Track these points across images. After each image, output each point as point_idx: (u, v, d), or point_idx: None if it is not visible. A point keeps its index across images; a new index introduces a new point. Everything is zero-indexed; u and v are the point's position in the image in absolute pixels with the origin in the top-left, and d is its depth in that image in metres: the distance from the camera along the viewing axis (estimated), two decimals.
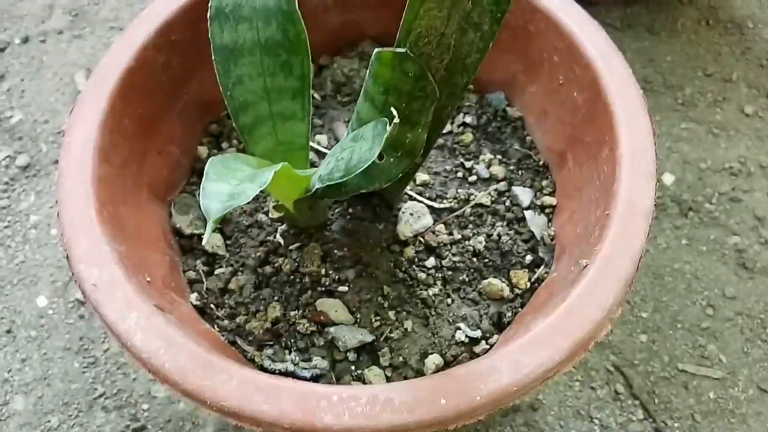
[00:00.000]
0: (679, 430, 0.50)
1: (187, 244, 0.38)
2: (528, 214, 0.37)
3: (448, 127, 0.41)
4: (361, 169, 0.25)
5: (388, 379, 0.33)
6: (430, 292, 0.35)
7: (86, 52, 0.67)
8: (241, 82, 0.31)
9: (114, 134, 0.33)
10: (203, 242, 0.23)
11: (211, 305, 0.35)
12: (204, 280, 0.36)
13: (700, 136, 0.64)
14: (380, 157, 0.28)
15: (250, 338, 0.34)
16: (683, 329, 0.54)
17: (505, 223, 0.37)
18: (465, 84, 0.27)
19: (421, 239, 0.36)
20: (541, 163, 0.40)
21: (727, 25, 0.71)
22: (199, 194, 0.36)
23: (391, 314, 0.34)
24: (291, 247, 0.36)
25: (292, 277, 0.35)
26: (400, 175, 0.29)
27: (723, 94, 0.66)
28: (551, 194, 0.39)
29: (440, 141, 0.40)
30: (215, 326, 0.34)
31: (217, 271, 0.37)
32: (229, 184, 0.24)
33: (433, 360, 0.33)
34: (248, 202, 0.35)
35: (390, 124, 0.24)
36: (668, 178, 0.61)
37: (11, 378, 0.51)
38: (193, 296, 0.35)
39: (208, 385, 0.26)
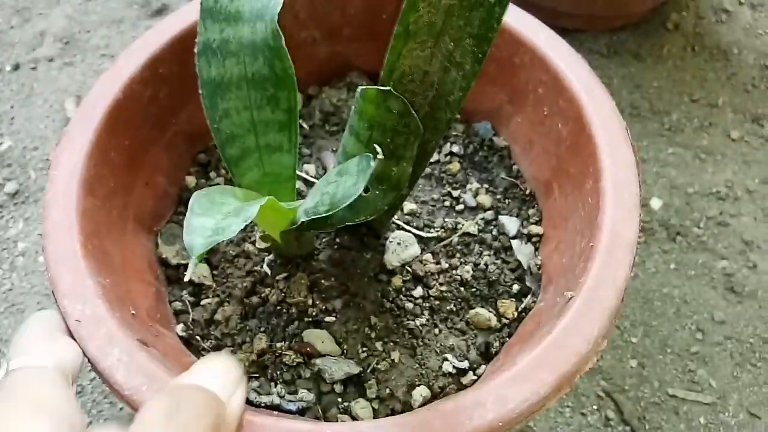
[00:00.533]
0: None
1: (174, 274, 0.38)
2: (515, 243, 0.38)
3: (435, 156, 0.41)
4: (346, 204, 0.25)
5: (375, 412, 0.32)
6: (418, 322, 0.35)
7: (77, 80, 0.68)
8: (228, 115, 0.31)
9: (100, 167, 0.33)
10: (186, 278, 0.23)
11: (197, 336, 0.35)
12: (190, 310, 0.36)
13: (687, 161, 0.64)
14: (366, 190, 0.28)
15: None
16: (673, 354, 0.54)
17: (492, 252, 0.37)
18: (449, 119, 0.27)
19: (409, 268, 0.36)
20: (527, 192, 0.40)
21: (712, 52, 0.73)
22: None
23: (378, 345, 0.34)
24: (278, 278, 0.36)
25: (278, 307, 0.35)
26: (386, 207, 0.29)
27: (709, 119, 0.67)
28: (537, 223, 0.39)
29: (428, 170, 0.40)
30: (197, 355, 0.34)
31: (203, 302, 0.36)
32: (213, 218, 0.24)
33: (421, 392, 0.33)
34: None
35: (374, 160, 0.24)
36: (656, 203, 0.61)
37: None
38: (179, 327, 0.35)
39: None
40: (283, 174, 0.33)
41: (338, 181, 0.26)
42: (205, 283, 0.37)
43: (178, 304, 0.36)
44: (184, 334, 0.35)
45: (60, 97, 0.66)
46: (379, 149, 0.25)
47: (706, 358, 0.54)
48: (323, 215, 0.26)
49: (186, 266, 0.37)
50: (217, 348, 0.35)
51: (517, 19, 0.37)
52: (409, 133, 0.27)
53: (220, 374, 0.25)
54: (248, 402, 0.33)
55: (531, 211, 0.39)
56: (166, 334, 0.33)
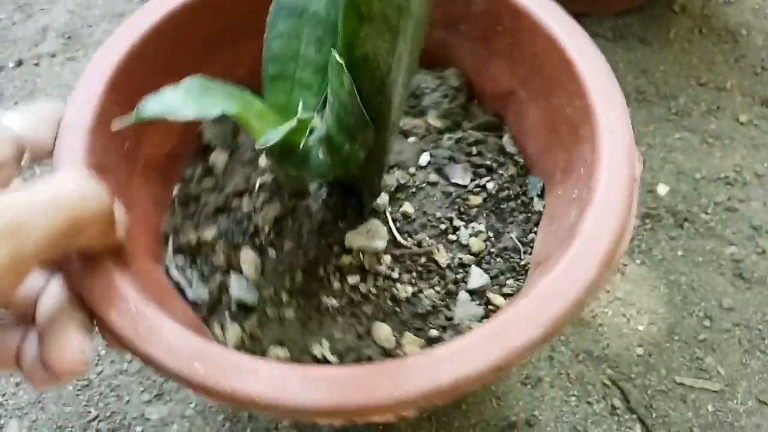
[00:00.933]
0: None
1: (202, 149, 0.42)
2: (463, 296, 0.35)
3: (466, 180, 0.39)
4: (311, 150, 0.29)
5: (242, 344, 0.34)
6: (329, 302, 0.35)
7: (80, 75, 0.68)
8: (281, 36, 0.33)
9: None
10: (113, 127, 0.25)
11: (179, 201, 0.39)
12: (193, 182, 0.40)
13: (695, 146, 0.64)
14: (324, 153, 0.29)
15: (176, 241, 0.37)
16: (680, 341, 0.53)
17: (442, 291, 0.36)
18: (397, 119, 0.28)
19: (362, 256, 0.36)
20: (521, 263, 0.37)
21: (720, 34, 0.71)
22: None
23: (284, 296, 0.35)
24: (260, 196, 0.39)
25: (243, 218, 0.38)
26: (331, 177, 0.31)
27: (717, 103, 0.66)
28: (505, 297, 0.36)
29: (451, 189, 0.39)
30: (170, 216, 0.38)
31: (204, 180, 0.41)
32: (184, 99, 0.26)
33: (278, 353, 0.33)
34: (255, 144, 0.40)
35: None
36: (663, 189, 0.61)
37: (5, 402, 0.51)
38: (176, 188, 0.40)
39: None
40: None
41: (278, 129, 0.28)
42: (216, 171, 0.41)
43: (189, 171, 0.41)
44: (176, 193, 0.40)
45: (63, 93, 0.67)
46: (300, 109, 0.28)
47: (714, 346, 0.53)
48: (267, 148, 0.28)
49: (214, 148, 0.41)
50: (183, 217, 0.38)
51: (599, 89, 0.33)
52: (357, 117, 0.27)
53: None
54: (166, 270, 0.36)
55: (509, 282, 0.36)
56: (156, 181, 0.37)
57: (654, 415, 0.50)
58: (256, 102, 0.31)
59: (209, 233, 0.37)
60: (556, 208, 0.36)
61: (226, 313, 0.35)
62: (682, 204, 0.59)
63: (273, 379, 0.25)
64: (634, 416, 0.50)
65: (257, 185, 0.39)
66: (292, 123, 0.26)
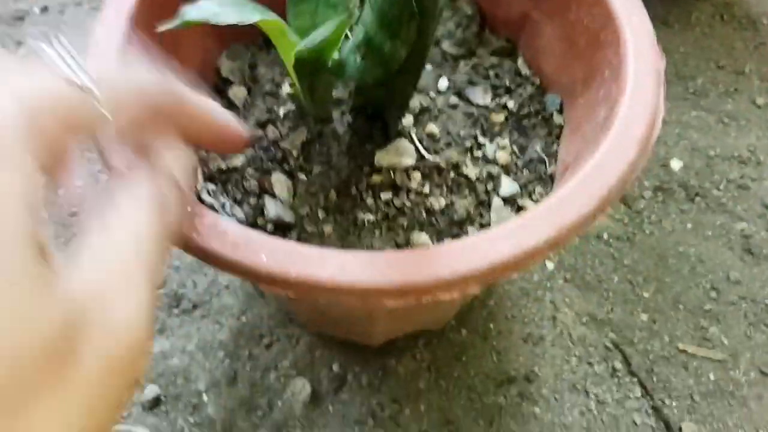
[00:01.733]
0: (677, 410, 0.49)
1: (220, 85, 0.42)
2: (497, 202, 0.36)
3: (486, 101, 0.40)
4: (347, 54, 0.28)
5: None
6: (365, 217, 0.35)
7: None
8: None
9: None
10: (160, 28, 0.25)
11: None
12: None
13: (710, 125, 0.64)
14: (363, 56, 0.30)
15: (205, 170, 0.37)
16: (685, 310, 0.53)
17: (474, 202, 0.37)
18: (442, 5, 0.28)
19: (392, 174, 0.37)
20: (548, 173, 0.38)
21: (741, 21, 0.71)
22: (252, 51, 0.43)
23: (321, 214, 0.35)
24: (286, 123, 0.39)
25: (271, 145, 0.38)
26: (371, 81, 0.30)
27: (735, 86, 0.66)
28: (537, 202, 0.37)
29: (472, 110, 0.40)
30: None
31: None
32: (221, 8, 0.26)
33: None
34: (280, 75, 0.41)
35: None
36: (676, 164, 0.61)
37: None
38: None
39: None
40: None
41: (324, 26, 0.28)
42: (236, 103, 0.41)
43: None
44: None
45: (87, 41, 0.67)
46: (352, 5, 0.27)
47: (719, 317, 0.53)
48: (309, 51, 0.28)
49: (232, 83, 0.41)
50: (207, 149, 0.37)
51: None
52: (404, 6, 0.27)
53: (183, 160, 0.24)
54: (198, 197, 0.36)
55: (538, 189, 0.37)
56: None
57: (655, 379, 0.50)
58: (282, 22, 0.31)
59: (237, 161, 0.37)
60: (580, 116, 0.37)
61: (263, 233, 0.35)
62: (694, 179, 0.59)
63: (340, 264, 0.25)
64: (635, 379, 0.50)
65: (281, 114, 0.40)
66: (341, 17, 0.27)
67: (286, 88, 0.41)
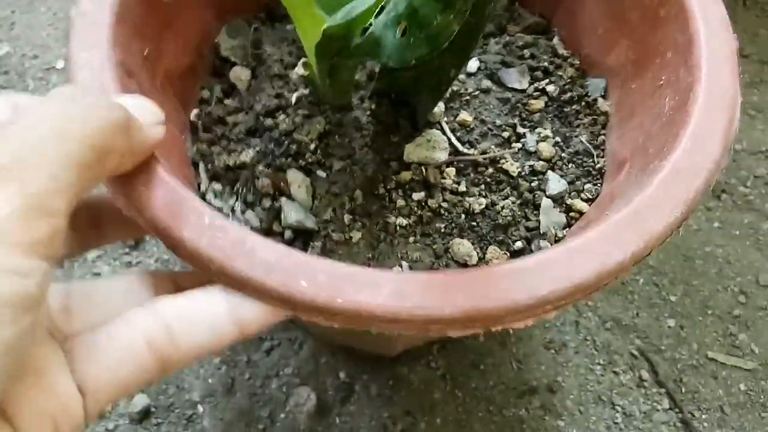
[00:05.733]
0: (707, 423, 0.46)
1: (221, 66, 0.37)
2: (546, 202, 0.32)
3: (524, 85, 0.36)
4: (384, 31, 0.24)
5: None
6: (398, 221, 0.31)
7: None
8: None
9: None
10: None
11: (201, 124, 0.34)
12: (212, 103, 0.35)
13: None
14: (404, 32, 0.25)
15: (210, 167, 0.33)
16: (713, 316, 0.50)
17: (518, 201, 0.33)
18: None
19: (424, 170, 0.32)
20: (597, 166, 0.34)
21: (764, 8, 0.69)
22: (255, 27, 0.38)
23: (347, 218, 0.31)
24: (299, 111, 0.34)
25: (283, 137, 0.33)
26: (414, 60, 0.25)
27: (760, 76, 0.63)
28: (587, 202, 0.33)
29: (508, 95, 0.36)
30: (192, 144, 0.34)
31: (226, 101, 0.36)
32: None
33: None
34: (289, 55, 0.37)
35: None
36: None
37: None
38: (194, 112, 0.35)
39: None
40: (363, 12, 0.29)
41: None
42: (239, 86, 0.36)
43: (206, 93, 0.36)
44: (194, 119, 0.34)
45: (64, 5, 0.62)
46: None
47: (749, 323, 0.50)
48: (343, 27, 0.24)
49: (232, 64, 0.37)
50: (210, 142, 0.34)
51: None
52: None
53: (142, 102, 0.23)
54: (203, 197, 0.32)
55: (587, 186, 0.34)
56: (175, 102, 0.32)
57: (683, 390, 0.47)
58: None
59: (246, 156, 0.33)
60: (634, 103, 0.33)
61: (281, 242, 0.30)
62: (720, 175, 0.56)
63: (396, 288, 0.21)
64: (663, 390, 0.47)
65: (293, 100, 0.35)
66: None
67: (298, 70, 0.36)
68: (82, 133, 0.18)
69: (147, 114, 0.23)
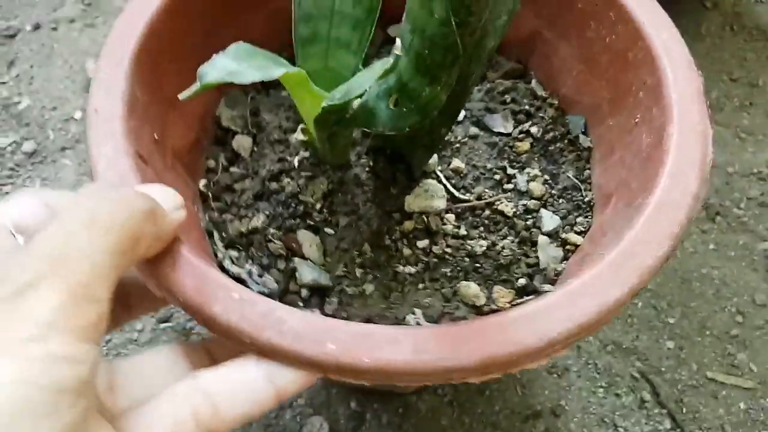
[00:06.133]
0: None
1: (222, 136, 0.39)
2: (543, 239, 0.34)
3: (509, 129, 0.39)
4: (377, 102, 0.26)
5: None
6: (406, 270, 0.33)
7: (98, 41, 0.67)
8: None
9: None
10: (181, 97, 0.23)
11: (211, 194, 0.36)
12: (219, 172, 0.37)
13: (727, 140, 0.62)
14: (396, 104, 0.27)
15: (224, 235, 0.34)
16: (712, 336, 0.52)
17: (516, 240, 0.35)
18: (492, 48, 0.26)
19: (425, 218, 0.34)
20: (586, 200, 0.36)
21: (752, 32, 0.70)
22: (251, 96, 0.40)
23: (358, 272, 0.33)
24: (302, 173, 0.36)
25: (290, 200, 0.35)
26: (406, 128, 0.28)
27: (749, 99, 0.65)
28: (580, 234, 0.35)
29: (495, 139, 0.38)
30: (204, 213, 0.35)
31: (231, 169, 0.37)
32: (238, 64, 0.24)
33: None
34: (287, 120, 0.39)
35: (392, 55, 0.24)
36: None
37: None
38: (202, 182, 0.36)
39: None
40: (343, 73, 0.32)
41: (361, 75, 0.26)
42: (242, 154, 0.38)
43: (212, 163, 0.38)
44: (204, 189, 0.36)
45: (80, 59, 0.65)
46: (398, 44, 0.25)
47: (747, 342, 0.51)
48: (341, 105, 0.26)
49: (234, 133, 0.38)
50: (221, 211, 0.36)
51: (644, 12, 0.34)
52: (446, 50, 0.25)
53: (162, 190, 0.25)
54: (221, 266, 0.33)
55: (579, 219, 0.36)
56: (185, 177, 0.34)
57: (684, 410, 0.48)
58: (304, 73, 0.28)
59: (257, 221, 0.34)
60: (613, 139, 0.36)
61: (298, 300, 0.33)
62: (714, 198, 0.57)
63: (415, 344, 0.23)
64: (664, 411, 0.48)
65: (296, 163, 0.37)
66: (385, 63, 0.24)
67: (297, 135, 0.38)
68: (114, 225, 0.20)
69: (169, 200, 0.24)
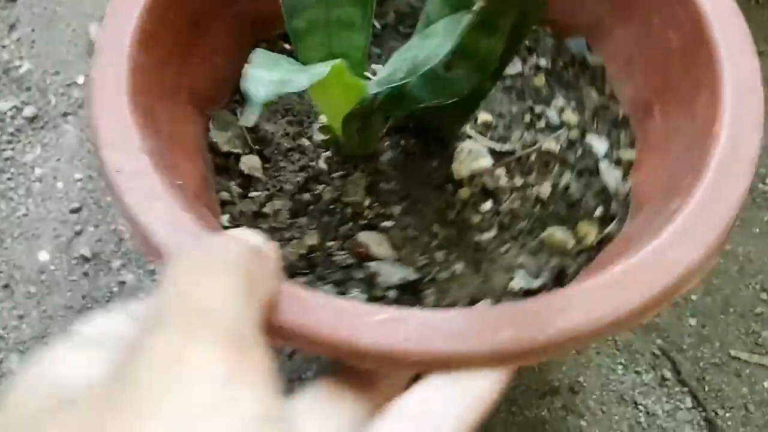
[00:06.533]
0: (730, 421, 0.46)
1: (223, 163, 0.34)
2: (602, 164, 0.33)
3: (518, 68, 0.37)
4: (427, 70, 0.22)
5: None
6: (485, 237, 0.31)
7: (101, 5, 0.64)
8: None
9: (158, 24, 0.29)
10: (240, 121, 0.20)
11: (244, 226, 0.32)
12: (237, 202, 0.33)
13: None
14: (448, 67, 0.25)
15: (283, 265, 0.31)
16: (735, 314, 0.50)
17: (574, 173, 0.33)
18: None
19: (478, 181, 0.33)
20: (620, 114, 0.35)
21: None
22: (240, 112, 0.35)
23: (440, 255, 0.31)
24: (334, 175, 0.33)
25: (332, 206, 0.32)
26: (467, 91, 0.25)
27: None
28: (630, 146, 0.34)
29: (508, 82, 0.36)
30: None
31: (251, 194, 0.33)
32: (278, 72, 0.21)
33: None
34: (290, 125, 0.35)
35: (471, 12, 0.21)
36: None
37: (7, 335, 0.48)
38: (225, 218, 0.32)
39: None
40: (352, 56, 0.29)
41: (422, 44, 0.23)
42: (255, 175, 0.34)
43: (225, 195, 0.33)
44: (229, 225, 0.32)
45: (84, 22, 0.63)
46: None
47: None
48: (399, 84, 0.23)
49: (236, 156, 0.34)
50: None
51: None
52: None
53: (243, 231, 0.22)
54: None
55: (622, 135, 0.35)
56: (211, 219, 0.30)
57: (706, 388, 0.47)
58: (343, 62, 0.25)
59: (309, 239, 0.31)
60: (627, 47, 0.35)
61: (385, 303, 0.29)
62: None
63: (452, 325, 0.21)
64: (685, 389, 0.47)
65: (323, 166, 0.34)
66: (456, 20, 0.22)
67: (314, 135, 0.35)
68: (230, 273, 0.17)
69: (254, 238, 0.21)
